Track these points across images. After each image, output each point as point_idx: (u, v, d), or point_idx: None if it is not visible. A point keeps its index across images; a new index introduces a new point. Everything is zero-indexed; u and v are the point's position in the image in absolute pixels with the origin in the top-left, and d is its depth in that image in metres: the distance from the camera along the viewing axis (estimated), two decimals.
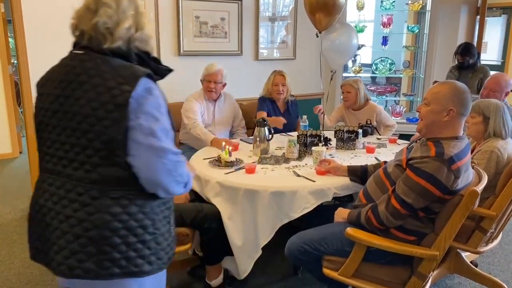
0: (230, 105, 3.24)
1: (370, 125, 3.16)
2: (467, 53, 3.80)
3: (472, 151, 2.22)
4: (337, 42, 3.10)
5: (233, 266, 2.20)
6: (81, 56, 1.13)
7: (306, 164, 2.37)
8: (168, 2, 3.54)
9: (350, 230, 1.66)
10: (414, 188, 1.58)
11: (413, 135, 2.93)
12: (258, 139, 2.55)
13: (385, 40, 4.53)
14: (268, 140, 2.59)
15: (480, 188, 1.57)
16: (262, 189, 2.00)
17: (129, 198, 1.11)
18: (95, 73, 1.09)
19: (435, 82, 3.47)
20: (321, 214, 2.02)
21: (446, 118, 1.64)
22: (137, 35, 1.14)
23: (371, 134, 3.14)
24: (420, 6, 4.45)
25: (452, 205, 1.58)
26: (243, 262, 2.11)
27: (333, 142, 2.74)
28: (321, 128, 2.99)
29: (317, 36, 3.16)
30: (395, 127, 3.33)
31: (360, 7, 4.40)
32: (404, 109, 4.74)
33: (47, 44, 2.99)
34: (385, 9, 4.48)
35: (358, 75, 4.43)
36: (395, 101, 5.04)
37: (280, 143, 2.76)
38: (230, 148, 2.35)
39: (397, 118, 4.40)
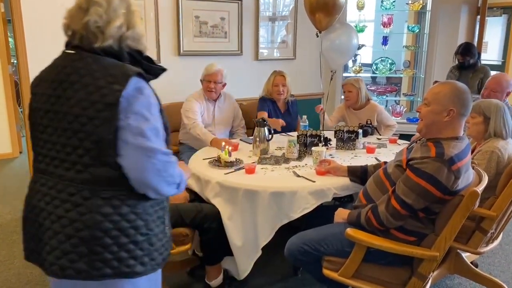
0: (230, 105, 3.23)
1: (370, 125, 3.16)
2: (467, 53, 3.79)
3: (472, 152, 2.21)
4: (337, 42, 3.10)
5: (232, 267, 2.20)
6: (72, 55, 1.13)
7: (306, 164, 2.36)
8: (168, 2, 3.54)
9: (350, 231, 1.66)
10: (414, 189, 1.58)
11: (413, 135, 2.92)
12: (258, 139, 2.54)
13: (385, 40, 4.52)
14: (268, 140, 2.58)
15: (480, 188, 1.57)
16: (262, 190, 2.00)
17: (121, 199, 1.11)
18: (86, 73, 1.09)
19: (436, 82, 3.47)
20: (321, 214, 2.02)
21: (447, 118, 1.63)
22: (129, 34, 1.14)
23: (371, 134, 3.13)
24: (421, 6, 4.44)
25: (452, 206, 1.57)
26: (243, 262, 2.11)
27: (333, 142, 2.73)
28: (321, 128, 2.99)
29: (317, 36, 3.15)
30: (396, 127, 3.33)
31: (360, 7, 4.40)
32: (405, 109, 4.74)
33: (47, 44, 2.98)
34: (386, 9, 4.48)
35: (358, 75, 4.43)
36: (395, 101, 5.03)
37: (280, 143, 2.76)
38: (230, 148, 2.35)
39: (398, 118, 4.39)
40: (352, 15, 4.45)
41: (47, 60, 1.21)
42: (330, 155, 2.54)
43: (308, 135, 2.54)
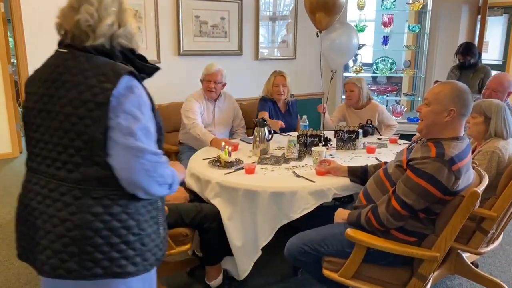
0: (230, 105, 3.23)
1: (371, 125, 3.15)
2: (468, 53, 3.79)
3: (473, 152, 2.21)
4: (337, 42, 3.10)
5: (232, 267, 2.20)
6: (65, 54, 1.13)
7: (306, 164, 2.36)
8: (168, 1, 3.54)
9: (350, 231, 1.65)
10: (414, 189, 1.57)
11: (414, 135, 2.92)
12: (258, 139, 2.54)
13: (386, 40, 4.52)
14: (268, 140, 2.58)
15: (481, 189, 1.56)
16: (262, 190, 1.99)
17: (112, 198, 1.11)
18: (77, 72, 1.08)
19: (436, 81, 3.47)
20: (321, 214, 2.01)
21: (447, 118, 1.63)
22: (120, 32, 1.14)
23: (372, 134, 3.13)
24: (421, 5, 4.44)
25: (453, 206, 1.56)
26: (243, 262, 2.10)
27: (333, 142, 2.73)
28: (321, 128, 2.99)
29: (317, 36, 3.15)
30: (397, 127, 3.33)
31: (360, 7, 4.39)
32: (405, 108, 4.73)
33: (46, 44, 2.95)
34: (386, 8, 4.47)
35: (358, 74, 4.42)
36: (396, 100, 5.03)
37: (280, 143, 2.75)
38: (230, 148, 2.34)
39: (398, 118, 4.39)
40: (352, 14, 4.44)
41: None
42: (330, 155, 2.53)
43: (308, 135, 2.53)
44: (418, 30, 4.55)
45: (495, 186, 2.00)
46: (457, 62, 3.90)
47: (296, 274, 2.41)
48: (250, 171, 2.17)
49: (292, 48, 4.34)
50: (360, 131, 2.75)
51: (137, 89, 1.10)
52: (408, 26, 4.67)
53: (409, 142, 2.32)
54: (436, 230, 1.63)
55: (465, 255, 2.18)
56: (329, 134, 2.77)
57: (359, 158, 2.50)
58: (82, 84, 1.07)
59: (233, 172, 2.20)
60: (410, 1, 4.48)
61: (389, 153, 2.59)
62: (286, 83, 3.20)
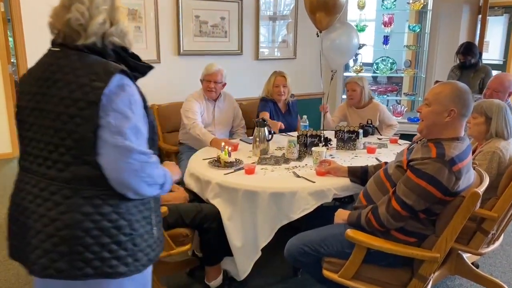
0: (230, 105, 3.22)
1: (371, 125, 3.14)
2: (468, 53, 3.78)
3: (473, 152, 2.20)
4: (338, 42, 3.09)
5: (232, 267, 2.19)
6: (57, 53, 1.13)
7: (306, 164, 2.35)
8: (168, 1, 3.53)
9: (350, 232, 1.65)
10: (414, 190, 1.57)
11: (414, 135, 2.91)
12: (257, 139, 2.53)
13: (386, 40, 4.51)
14: (268, 141, 2.57)
15: (481, 189, 1.56)
16: (262, 190, 1.99)
17: (102, 198, 1.10)
18: (69, 70, 1.08)
19: (437, 81, 3.46)
20: (321, 215, 2.01)
21: (447, 119, 1.62)
22: (112, 30, 1.13)
23: (372, 134, 3.12)
24: (422, 5, 4.43)
25: (453, 207, 1.56)
26: (243, 263, 2.10)
27: (334, 142, 2.72)
28: (321, 128, 2.98)
29: (318, 36, 3.14)
30: (397, 127, 3.33)
31: (361, 6, 4.38)
32: (405, 108, 4.73)
33: (46, 43, 2.96)
34: (386, 8, 4.47)
35: (359, 74, 4.41)
36: (396, 100, 5.02)
37: (280, 143, 2.75)
38: (230, 148, 2.34)
39: (398, 118, 4.38)
40: (352, 14, 4.44)
41: None
42: (331, 155, 2.52)
43: (308, 135, 2.53)
44: (418, 30, 4.54)
45: (496, 187, 2.00)
46: (458, 62, 3.89)
47: (296, 275, 2.41)
48: (250, 171, 2.16)
49: (292, 48, 4.34)
50: (360, 131, 2.74)
51: (129, 88, 1.09)
52: (409, 26, 4.67)
53: (410, 142, 2.32)
54: (436, 230, 1.63)
55: (466, 256, 2.17)
56: (329, 134, 2.77)
57: (359, 158, 2.49)
58: (73, 82, 1.06)
59: (233, 172, 2.19)
60: (411, 1, 4.47)
61: (390, 153, 2.59)
62: (287, 84, 3.19)
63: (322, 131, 2.62)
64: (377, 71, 4.68)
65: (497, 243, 2.07)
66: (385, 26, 4.46)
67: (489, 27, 4.76)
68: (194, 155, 2.57)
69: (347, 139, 2.67)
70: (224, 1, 3.78)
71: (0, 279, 2.39)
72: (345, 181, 2.09)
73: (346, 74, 4.59)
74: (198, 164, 2.36)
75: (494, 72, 3.81)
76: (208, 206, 2.11)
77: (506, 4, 5.04)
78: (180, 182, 2.42)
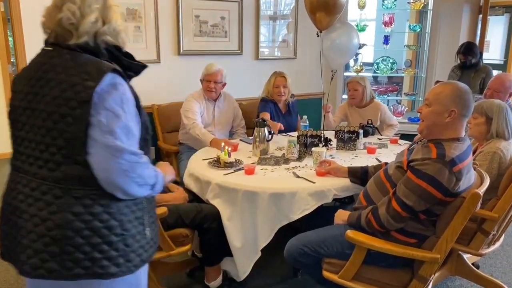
0: (230, 105, 3.22)
1: (371, 125, 3.14)
2: (469, 53, 3.77)
3: (474, 152, 2.19)
4: (338, 42, 3.08)
5: (232, 268, 2.19)
6: (50, 52, 1.13)
7: (306, 165, 2.34)
8: (167, 1, 3.52)
9: (350, 233, 1.64)
10: (415, 191, 1.56)
11: (415, 135, 2.90)
12: (257, 139, 2.53)
13: (386, 39, 4.50)
14: (268, 141, 2.57)
15: (482, 190, 1.55)
16: (262, 191, 1.98)
17: (93, 198, 1.09)
18: (61, 70, 1.08)
19: (437, 81, 3.45)
20: (321, 215, 2.00)
21: (448, 119, 1.61)
22: (105, 29, 1.12)
23: (372, 134, 3.11)
24: (422, 5, 4.42)
25: (454, 208, 1.55)
26: (243, 263, 2.09)
27: (334, 142, 2.71)
28: (321, 128, 2.98)
29: (318, 36, 3.13)
30: (398, 127, 3.32)
31: (361, 6, 4.37)
32: (406, 108, 4.72)
33: None
34: (387, 8, 4.46)
35: (359, 74, 4.40)
36: (396, 100, 5.01)
37: (280, 143, 2.74)
38: (229, 148, 2.33)
39: (399, 118, 4.37)
40: (353, 14, 4.43)
41: None
42: (331, 155, 2.52)
43: (308, 135, 2.52)
44: (419, 29, 4.53)
45: (496, 187, 1.99)
46: (458, 61, 3.89)
47: (296, 276, 2.40)
48: (250, 171, 2.16)
49: (293, 48, 4.33)
50: (361, 131, 2.74)
51: (121, 86, 1.08)
52: (409, 26, 4.65)
53: (410, 143, 2.32)
54: (437, 231, 1.62)
55: (466, 256, 2.17)
56: (330, 134, 2.76)
57: (360, 159, 2.49)
58: (65, 82, 1.06)
59: (232, 172, 2.18)
60: (411, 1, 4.46)
61: (390, 154, 2.58)
62: (287, 84, 3.19)
63: (322, 131, 2.61)
64: (378, 71, 4.67)
65: (497, 244, 2.07)
66: (385, 26, 4.45)
67: (490, 27, 4.75)
68: (194, 155, 2.57)
69: (347, 139, 2.67)
70: (224, 0, 3.78)
71: (0, 279, 2.39)
72: (345, 181, 2.08)
73: (346, 74, 4.58)
74: (198, 164, 2.36)
75: (495, 72, 3.80)
76: (208, 206, 2.11)
77: (507, 4, 5.03)
78: (180, 183, 2.42)
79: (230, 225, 2.05)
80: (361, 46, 4.15)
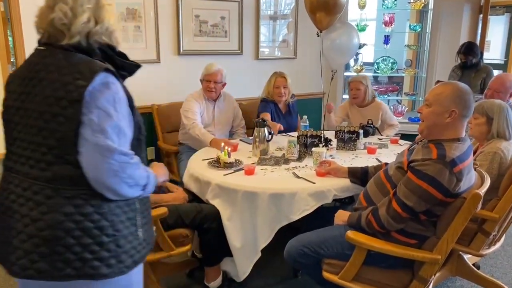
0: (229, 105, 3.21)
1: (372, 125, 3.13)
2: (470, 52, 3.76)
3: (474, 152, 2.19)
4: (338, 42, 3.07)
5: (232, 268, 2.18)
6: (43, 52, 1.13)
7: (306, 165, 2.34)
8: (167, 1, 3.51)
9: (350, 234, 1.64)
10: (415, 191, 1.55)
11: (415, 135, 2.89)
12: (257, 139, 2.52)
13: (387, 39, 4.50)
14: (268, 141, 2.56)
15: (482, 191, 1.55)
16: (261, 191, 1.98)
17: (84, 198, 1.08)
18: (54, 69, 1.08)
19: (438, 81, 3.45)
20: (321, 216, 2.00)
21: (448, 119, 1.61)
22: (97, 29, 1.12)
23: (373, 134, 3.11)
24: (422, 4, 4.41)
25: (454, 208, 1.55)
26: (242, 264, 2.09)
27: (334, 142, 2.71)
28: (322, 128, 2.97)
29: (318, 36, 3.12)
30: (399, 127, 3.32)
31: (361, 6, 4.37)
32: (406, 108, 4.71)
33: None
34: (387, 7, 4.45)
35: (359, 74, 4.40)
36: (397, 100, 5.00)
37: (280, 143, 2.74)
38: (229, 149, 2.33)
39: (399, 118, 4.37)
40: (353, 14, 4.42)
41: None
42: (331, 155, 2.51)
43: (308, 135, 2.51)
44: (419, 29, 4.52)
45: (497, 188, 1.98)
46: (459, 61, 3.88)
47: (296, 276, 2.40)
48: (250, 172, 2.15)
49: (293, 48, 4.32)
50: (361, 131, 2.73)
51: (114, 86, 1.08)
52: (410, 26, 4.65)
53: (410, 143, 2.31)
54: (437, 232, 1.62)
55: (467, 257, 2.16)
56: (330, 134, 2.76)
57: (360, 159, 2.48)
58: (57, 81, 1.06)
59: (232, 173, 2.18)
60: (412, 0, 4.45)
61: (390, 154, 2.58)
62: (287, 85, 3.18)
63: (322, 131, 2.61)
64: (378, 71, 4.67)
65: (498, 244, 2.06)
66: (385, 25, 4.44)
67: (491, 27, 4.74)
68: (193, 155, 2.56)
69: (347, 140, 2.66)
70: (224, 0, 3.77)
71: (0, 280, 2.39)
72: (345, 182, 2.08)
73: (346, 74, 4.58)
74: (198, 164, 2.35)
75: (496, 72, 3.79)
76: (208, 206, 2.10)
77: (508, 4, 5.02)
78: (180, 183, 2.42)
79: (230, 226, 2.05)
80: (361, 46, 4.14)
